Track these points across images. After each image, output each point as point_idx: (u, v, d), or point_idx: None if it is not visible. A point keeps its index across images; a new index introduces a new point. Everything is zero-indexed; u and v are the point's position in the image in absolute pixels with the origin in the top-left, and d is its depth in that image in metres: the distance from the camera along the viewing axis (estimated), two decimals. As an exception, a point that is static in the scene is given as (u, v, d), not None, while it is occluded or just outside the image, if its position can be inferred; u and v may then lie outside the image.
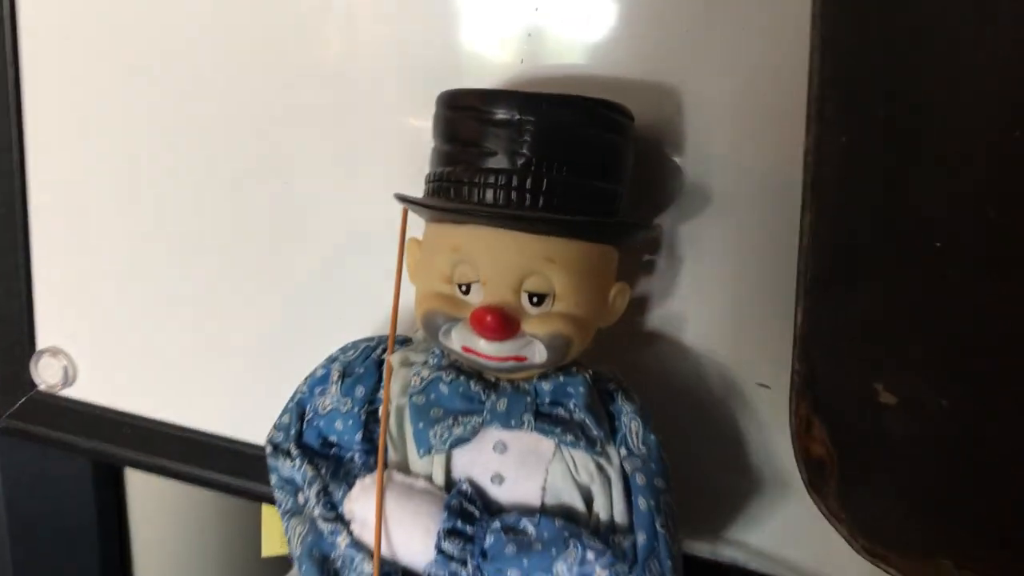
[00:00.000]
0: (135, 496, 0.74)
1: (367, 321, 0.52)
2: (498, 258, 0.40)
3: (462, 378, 0.42)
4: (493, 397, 0.42)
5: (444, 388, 0.42)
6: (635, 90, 0.47)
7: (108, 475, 0.72)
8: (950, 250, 0.33)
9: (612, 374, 0.45)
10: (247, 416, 0.58)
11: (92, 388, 0.61)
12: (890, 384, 0.34)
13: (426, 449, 0.41)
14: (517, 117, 0.40)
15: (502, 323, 0.39)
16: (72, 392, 0.61)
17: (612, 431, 0.43)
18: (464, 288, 0.41)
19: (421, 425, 0.42)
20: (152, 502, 0.74)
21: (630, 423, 0.43)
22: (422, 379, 0.43)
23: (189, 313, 0.58)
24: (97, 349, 0.61)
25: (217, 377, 0.59)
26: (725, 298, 0.49)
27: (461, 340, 0.41)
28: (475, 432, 0.41)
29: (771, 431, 0.49)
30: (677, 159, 0.48)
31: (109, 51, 0.57)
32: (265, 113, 0.54)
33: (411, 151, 0.49)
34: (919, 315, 0.34)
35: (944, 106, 0.32)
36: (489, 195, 0.40)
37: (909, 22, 0.33)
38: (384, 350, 0.45)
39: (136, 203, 0.58)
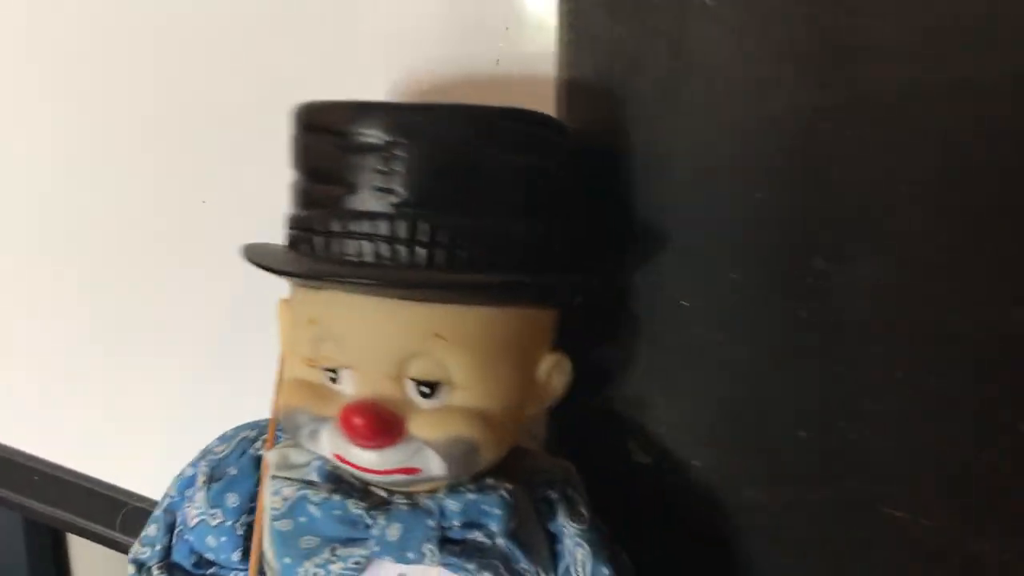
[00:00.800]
0: (79, 557, 0.65)
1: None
2: (368, 336, 0.31)
3: (337, 496, 0.32)
4: (382, 521, 0.32)
5: (314, 510, 0.32)
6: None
7: (43, 529, 0.63)
8: (696, 312, 0.34)
9: (557, 474, 0.35)
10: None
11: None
12: (644, 445, 0.36)
13: (296, 591, 0.33)
14: (385, 139, 0.30)
15: (376, 426, 0.30)
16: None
17: (553, 555, 0.34)
18: (332, 375, 0.32)
19: (288, 560, 0.33)
20: (99, 560, 0.65)
21: (575, 550, 0.34)
22: (284, 499, 0.33)
23: (98, 351, 0.51)
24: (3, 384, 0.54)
25: (141, 428, 0.51)
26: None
27: (332, 446, 0.32)
28: (360, 569, 0.32)
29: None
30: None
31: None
32: (180, 138, 0.47)
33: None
34: (672, 376, 0.35)
35: (691, 169, 0.34)
36: (351, 248, 0.30)
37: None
38: (265, 443, 0.36)
39: (37, 232, 0.52)
